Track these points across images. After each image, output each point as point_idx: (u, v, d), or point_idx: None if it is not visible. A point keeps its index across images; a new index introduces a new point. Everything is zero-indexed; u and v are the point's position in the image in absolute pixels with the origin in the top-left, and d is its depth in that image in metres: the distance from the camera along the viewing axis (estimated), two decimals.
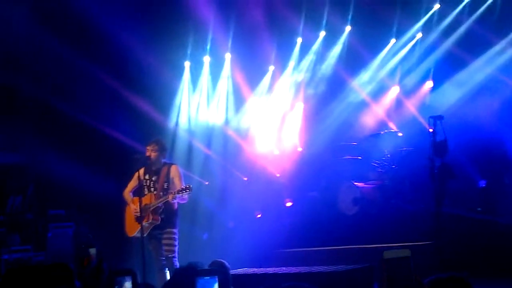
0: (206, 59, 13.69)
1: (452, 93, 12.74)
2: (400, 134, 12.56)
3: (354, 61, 13.77)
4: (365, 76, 13.89)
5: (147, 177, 8.82)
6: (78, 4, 11.66)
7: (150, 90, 12.54)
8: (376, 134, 12.59)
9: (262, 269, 9.15)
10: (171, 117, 13.42)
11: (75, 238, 11.39)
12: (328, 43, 14.02)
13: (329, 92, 13.87)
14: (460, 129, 10.92)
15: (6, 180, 12.39)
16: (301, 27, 13.72)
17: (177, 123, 13.48)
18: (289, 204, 12.88)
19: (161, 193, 8.67)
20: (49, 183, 11.99)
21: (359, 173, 12.23)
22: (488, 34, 12.62)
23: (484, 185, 11.27)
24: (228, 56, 13.73)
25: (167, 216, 8.68)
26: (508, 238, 9.63)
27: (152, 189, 8.77)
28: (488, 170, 11.41)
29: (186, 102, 13.68)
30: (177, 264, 8.64)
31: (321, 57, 14.13)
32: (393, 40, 13.71)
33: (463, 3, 13.06)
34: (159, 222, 8.63)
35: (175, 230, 8.74)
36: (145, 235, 8.47)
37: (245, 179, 13.35)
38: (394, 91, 13.75)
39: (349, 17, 13.63)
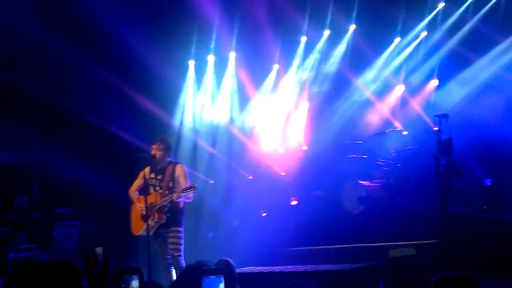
0: (211, 58, 13.71)
1: (457, 92, 12.74)
2: (405, 133, 12.55)
3: (358, 59, 13.77)
4: (369, 74, 13.88)
5: (152, 176, 8.83)
6: (82, 3, 11.67)
7: (154, 89, 12.56)
8: (381, 133, 12.58)
9: (268, 267, 9.16)
10: (176, 116, 13.43)
11: (81, 237, 11.43)
12: (333, 41, 14.02)
13: (333, 90, 13.87)
14: (465, 128, 10.93)
15: (12, 180, 12.43)
16: (305, 26, 13.72)
17: (181, 122, 13.49)
18: (294, 202, 12.88)
19: (167, 192, 8.68)
20: (55, 182, 12.03)
21: (364, 172, 12.22)
22: (493, 33, 12.61)
23: (489, 184, 11.25)
24: (232, 55, 13.73)
25: (173, 215, 8.69)
26: None
27: (158, 187, 8.78)
28: (493, 168, 11.39)
29: (190, 101, 13.70)
30: (183, 262, 8.65)
31: (325, 56, 14.12)
32: (397, 39, 13.70)
33: (468, 2, 13.04)
34: (165, 220, 8.64)
35: (180, 229, 8.75)
36: (150, 233, 8.47)
37: (250, 177, 13.36)
38: (399, 90, 13.74)
39: (354, 15, 13.62)
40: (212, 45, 13.56)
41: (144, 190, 8.59)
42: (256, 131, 13.87)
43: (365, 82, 13.85)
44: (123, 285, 4.65)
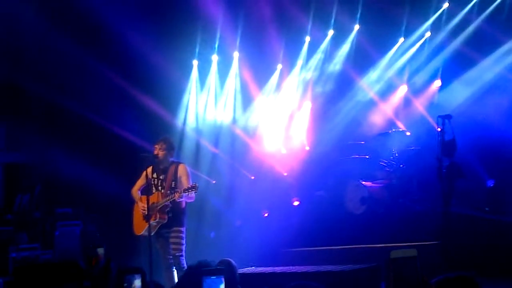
0: (214, 58, 13.71)
1: (461, 92, 12.70)
2: (408, 133, 12.53)
3: (362, 60, 13.74)
4: (373, 75, 13.86)
5: (155, 175, 8.83)
6: (86, 3, 11.69)
7: (158, 88, 12.56)
8: (384, 133, 12.56)
9: (269, 268, 9.16)
10: (179, 115, 13.44)
11: (83, 237, 11.43)
12: (337, 42, 13.99)
13: (337, 91, 13.84)
14: (468, 128, 10.89)
15: (14, 179, 12.45)
16: (309, 25, 13.71)
17: (185, 122, 13.50)
18: (296, 203, 12.87)
19: (169, 192, 8.67)
20: (57, 182, 12.04)
21: (367, 172, 12.20)
22: (497, 33, 12.58)
23: (492, 185, 11.22)
24: (236, 55, 13.73)
25: (175, 215, 8.68)
26: None
27: (160, 187, 8.77)
28: (496, 169, 11.36)
29: (194, 101, 13.70)
30: (184, 262, 8.64)
31: (329, 56, 14.10)
32: (401, 39, 13.68)
33: (472, 2, 13.01)
34: (166, 220, 8.63)
35: (182, 229, 8.74)
36: (152, 233, 8.47)
37: (253, 178, 13.35)
38: (402, 90, 13.71)
39: (358, 16, 13.60)
40: (216, 45, 13.56)
41: (146, 190, 8.59)
42: (259, 131, 13.86)
43: (369, 82, 13.82)
44: (125, 285, 4.65)
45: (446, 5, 13.33)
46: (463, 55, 12.83)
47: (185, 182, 8.70)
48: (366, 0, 13.39)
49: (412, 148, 12.21)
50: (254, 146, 13.65)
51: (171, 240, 8.70)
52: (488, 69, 12.62)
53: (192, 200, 8.79)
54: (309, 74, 14.15)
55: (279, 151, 13.82)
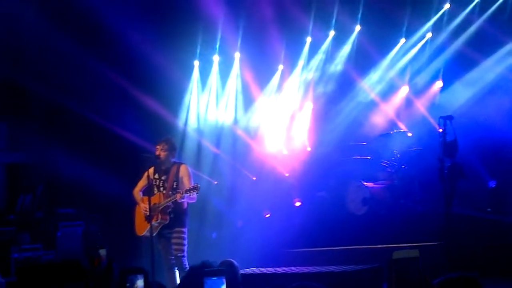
0: (216, 58, 13.70)
1: (462, 93, 12.69)
2: (409, 134, 12.52)
3: (363, 60, 13.73)
4: (374, 75, 13.84)
5: (156, 176, 8.84)
6: (88, 3, 11.69)
7: (159, 89, 12.56)
8: (385, 134, 12.56)
9: (271, 268, 9.16)
10: (180, 116, 13.43)
11: (85, 237, 11.43)
12: (338, 42, 13.99)
13: (338, 91, 13.83)
14: (470, 129, 10.88)
15: (16, 179, 12.46)
16: (310, 26, 13.71)
17: (186, 123, 13.49)
18: (298, 204, 12.86)
19: (170, 193, 8.68)
20: (59, 182, 12.05)
21: (368, 173, 12.20)
22: (499, 34, 12.57)
23: (494, 186, 11.22)
24: (237, 55, 13.73)
25: (176, 216, 8.69)
26: None
27: (162, 188, 8.78)
28: (498, 170, 11.36)
29: (195, 101, 13.69)
30: (186, 263, 8.64)
31: (330, 56, 14.10)
32: (402, 40, 13.67)
33: (474, 3, 12.99)
34: (168, 221, 8.64)
35: (184, 230, 8.75)
36: (154, 234, 8.47)
37: (254, 178, 13.34)
38: (403, 91, 13.70)
39: (359, 16, 13.59)
40: (217, 45, 13.55)
41: (148, 191, 8.60)
42: (260, 131, 13.85)
43: (370, 83, 13.81)
44: (128, 285, 4.64)
45: (447, 5, 13.32)
46: (465, 56, 12.82)
47: (186, 183, 8.71)
48: (367, 1, 13.39)
49: (414, 149, 12.21)
50: (256, 147, 13.64)
51: (173, 240, 8.70)
52: (489, 69, 12.61)
53: (193, 201, 8.79)
54: (310, 74, 14.15)
55: (280, 151, 13.81)
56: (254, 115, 13.95)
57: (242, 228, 12.36)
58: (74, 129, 12.37)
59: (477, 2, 12.97)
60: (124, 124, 12.10)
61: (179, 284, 6.26)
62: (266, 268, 9.38)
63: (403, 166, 12.06)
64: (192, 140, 13.38)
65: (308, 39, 13.96)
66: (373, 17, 13.32)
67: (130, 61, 12.32)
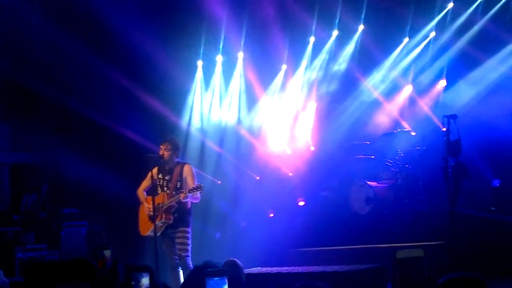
0: (219, 58, 13.70)
1: (466, 92, 12.68)
2: (413, 133, 12.50)
3: (367, 60, 13.73)
4: (378, 75, 13.83)
5: (160, 176, 8.84)
6: (92, 3, 11.71)
7: (163, 89, 12.57)
8: (389, 133, 12.55)
9: (275, 268, 9.16)
10: (184, 116, 13.43)
11: (89, 237, 11.45)
12: (341, 42, 13.98)
13: (342, 91, 13.83)
14: (474, 128, 10.86)
15: (21, 179, 12.47)
16: (314, 26, 13.69)
17: (189, 123, 13.49)
18: (301, 203, 12.87)
19: (174, 192, 8.68)
20: (63, 182, 12.06)
21: (372, 173, 12.20)
22: (502, 33, 12.55)
23: (498, 185, 11.20)
24: (240, 55, 13.73)
25: (180, 215, 8.70)
26: None
27: (165, 188, 8.79)
28: (502, 169, 11.33)
29: (198, 101, 13.69)
30: (190, 263, 8.65)
31: (334, 56, 14.09)
32: (406, 39, 13.65)
33: (477, 2, 12.98)
34: (172, 221, 8.64)
35: (188, 229, 8.75)
36: (158, 234, 8.48)
37: (258, 178, 13.35)
38: (407, 90, 13.69)
39: (362, 16, 13.58)
40: (221, 45, 13.54)
41: (152, 191, 8.60)
42: (264, 131, 13.85)
43: (374, 83, 13.81)
44: (133, 283, 4.64)
45: (451, 5, 13.30)
46: (468, 55, 12.81)
47: (190, 183, 8.72)
48: (370, 0, 13.38)
49: (418, 148, 12.19)
50: (259, 147, 13.65)
51: (177, 240, 8.71)
52: (493, 69, 12.60)
53: (197, 201, 8.79)
54: (314, 74, 14.14)
55: (284, 151, 13.81)
56: (258, 115, 13.95)
57: (245, 228, 12.37)
58: (78, 129, 12.38)
59: (481, 1, 12.95)
60: (128, 124, 12.11)
61: (183, 284, 6.25)
62: (270, 268, 9.39)
63: (406, 166, 12.05)
64: (195, 140, 13.38)
65: (312, 39, 13.95)
66: (377, 16, 13.32)
67: (134, 62, 12.33)
